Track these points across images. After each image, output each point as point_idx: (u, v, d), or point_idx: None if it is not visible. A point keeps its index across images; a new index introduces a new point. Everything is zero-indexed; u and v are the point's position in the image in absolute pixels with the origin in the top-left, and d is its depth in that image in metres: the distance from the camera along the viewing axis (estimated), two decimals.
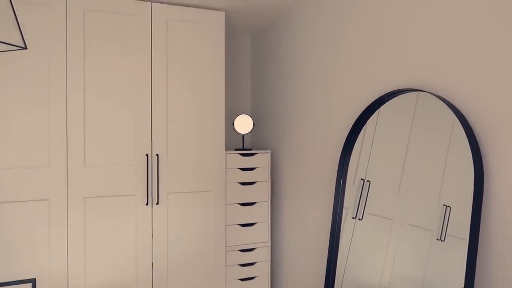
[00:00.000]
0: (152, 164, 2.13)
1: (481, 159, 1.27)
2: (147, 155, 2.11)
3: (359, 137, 1.85)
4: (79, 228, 1.99)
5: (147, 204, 2.11)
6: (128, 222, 2.09)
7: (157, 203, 2.14)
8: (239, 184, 2.40)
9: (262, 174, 2.46)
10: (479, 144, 1.30)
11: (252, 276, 2.44)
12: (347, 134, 1.92)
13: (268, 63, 2.79)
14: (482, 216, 1.29)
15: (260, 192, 2.46)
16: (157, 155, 2.13)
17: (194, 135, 2.26)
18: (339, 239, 1.88)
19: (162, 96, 2.17)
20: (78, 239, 1.99)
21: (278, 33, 2.64)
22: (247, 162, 2.43)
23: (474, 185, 1.29)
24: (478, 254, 1.33)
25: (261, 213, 2.46)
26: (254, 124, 2.51)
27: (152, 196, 2.13)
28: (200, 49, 2.26)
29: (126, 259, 2.09)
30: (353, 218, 1.89)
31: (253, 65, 3.04)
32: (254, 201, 2.44)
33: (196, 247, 2.27)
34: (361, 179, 1.87)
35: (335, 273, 1.88)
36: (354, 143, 1.84)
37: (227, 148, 2.91)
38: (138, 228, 2.11)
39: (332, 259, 1.86)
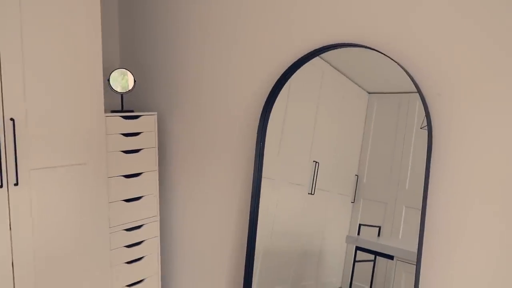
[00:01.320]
0: (5, 132, 1.55)
1: (429, 115, 1.31)
2: None
3: (279, 97, 1.74)
4: None
5: (1, 186, 1.54)
6: None
7: (16, 184, 1.59)
8: (122, 153, 2.01)
9: (148, 140, 2.12)
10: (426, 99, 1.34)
11: (140, 256, 2.13)
12: (268, 92, 1.77)
13: (147, 8, 2.36)
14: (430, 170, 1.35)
15: (147, 161, 2.12)
16: (12, 120, 1.56)
17: (64, 93, 1.74)
18: (259, 202, 1.78)
19: (14, 42, 1.57)
20: None
21: None
22: (131, 126, 2.04)
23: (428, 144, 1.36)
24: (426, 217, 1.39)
25: (148, 185, 2.14)
26: (135, 81, 2.11)
27: (8, 175, 1.57)
28: None
29: None
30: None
31: (122, 7, 2.53)
32: (140, 172, 2.10)
33: (72, 235, 1.81)
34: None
35: (255, 238, 1.79)
36: (273, 104, 1.72)
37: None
38: None
39: (253, 224, 1.75)
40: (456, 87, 1.31)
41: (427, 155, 1.40)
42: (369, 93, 1.61)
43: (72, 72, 1.76)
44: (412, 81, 1.39)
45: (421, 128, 1.47)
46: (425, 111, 1.39)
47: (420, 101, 1.40)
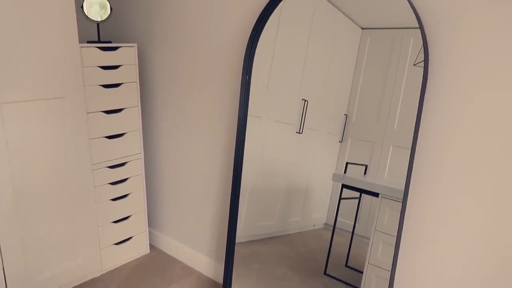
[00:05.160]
0: None
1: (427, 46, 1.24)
2: None
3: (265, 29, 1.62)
4: None
5: None
6: None
7: None
8: (101, 87, 1.90)
9: (128, 74, 2.00)
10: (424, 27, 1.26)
11: (125, 193, 2.11)
12: (254, 21, 1.64)
13: None
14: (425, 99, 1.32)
15: (128, 96, 2.02)
16: None
17: (32, 21, 1.58)
18: (245, 138, 1.74)
19: None
20: None
21: None
22: (109, 58, 1.90)
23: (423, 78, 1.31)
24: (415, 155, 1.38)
25: (130, 121, 2.05)
26: (112, 9, 1.93)
27: None
28: None
29: None
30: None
31: None
32: (122, 107, 2.00)
33: (52, 172, 1.76)
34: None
35: (240, 175, 1.77)
36: (260, 33, 1.61)
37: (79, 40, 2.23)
38: None
39: (238, 161, 1.72)
40: (459, 17, 1.23)
41: (421, 90, 1.36)
42: (363, 28, 1.53)
43: None
44: (411, 7, 1.30)
45: (414, 65, 1.41)
46: (423, 42, 1.32)
47: (416, 36, 1.32)
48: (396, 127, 1.49)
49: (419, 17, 1.30)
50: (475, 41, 1.20)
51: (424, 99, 1.36)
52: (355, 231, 1.61)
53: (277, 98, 1.72)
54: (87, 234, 1.95)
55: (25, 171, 1.66)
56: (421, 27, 1.30)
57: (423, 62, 1.36)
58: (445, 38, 1.27)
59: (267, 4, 1.59)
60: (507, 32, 1.13)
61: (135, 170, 2.13)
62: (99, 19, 1.91)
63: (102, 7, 1.90)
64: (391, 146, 1.52)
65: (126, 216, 2.14)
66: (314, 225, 1.75)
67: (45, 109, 1.67)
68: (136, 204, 2.18)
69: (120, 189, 2.07)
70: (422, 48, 1.35)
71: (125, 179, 2.10)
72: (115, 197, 2.07)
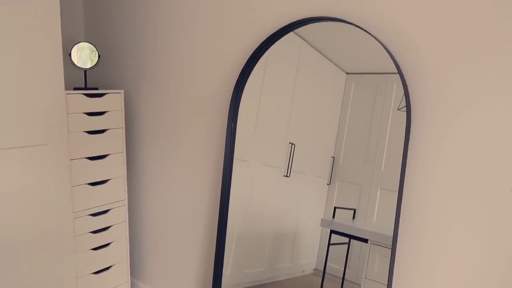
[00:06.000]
0: None
1: (409, 95, 1.27)
2: None
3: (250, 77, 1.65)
4: None
5: None
6: None
7: None
8: (86, 133, 1.87)
9: (114, 120, 1.99)
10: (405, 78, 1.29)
11: (107, 242, 2.03)
12: (240, 70, 1.68)
13: None
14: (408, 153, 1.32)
15: (113, 142, 1.99)
16: None
17: (18, 68, 1.58)
18: (230, 183, 1.71)
19: None
20: None
21: None
22: (95, 105, 1.90)
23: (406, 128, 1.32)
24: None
25: (115, 167, 2.02)
26: (99, 56, 1.96)
27: None
28: None
29: None
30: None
31: None
32: (106, 153, 1.97)
33: (32, 220, 1.69)
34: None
35: (226, 221, 1.73)
36: (246, 81, 1.63)
37: (65, 87, 2.22)
38: None
39: (224, 207, 1.69)
40: (436, 67, 1.27)
41: (405, 135, 1.37)
42: (347, 73, 1.57)
43: (27, 44, 1.60)
44: (392, 58, 1.35)
45: (398, 109, 1.44)
46: (404, 90, 1.35)
47: (399, 81, 1.36)
48: (383, 169, 1.49)
49: (399, 67, 1.34)
50: (453, 88, 1.24)
51: (409, 143, 1.37)
52: (345, 277, 1.56)
53: (264, 141, 1.73)
54: (65, 287, 1.84)
55: (3, 220, 1.58)
56: (401, 76, 1.34)
57: (406, 107, 1.39)
58: (424, 86, 1.31)
59: (253, 52, 1.63)
60: (483, 80, 1.18)
61: (118, 217, 2.06)
62: (89, 64, 1.92)
63: (92, 51, 1.93)
64: (379, 189, 1.51)
65: (108, 266, 2.05)
66: (304, 271, 1.70)
67: (27, 156, 1.63)
68: (118, 253, 2.09)
69: (102, 238, 1.99)
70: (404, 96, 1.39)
71: (108, 227, 2.02)
72: (96, 246, 1.98)
